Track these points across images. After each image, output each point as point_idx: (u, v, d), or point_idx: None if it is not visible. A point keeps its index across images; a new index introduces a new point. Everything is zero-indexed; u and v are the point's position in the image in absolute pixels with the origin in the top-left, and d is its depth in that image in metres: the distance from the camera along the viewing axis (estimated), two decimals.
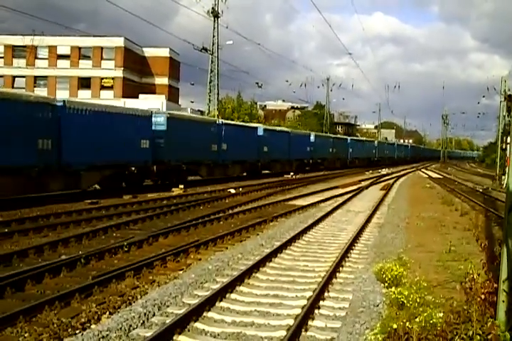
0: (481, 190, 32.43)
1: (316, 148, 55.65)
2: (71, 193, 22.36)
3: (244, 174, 40.10)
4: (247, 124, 45.44)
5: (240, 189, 28.39)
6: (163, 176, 29.38)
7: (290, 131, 52.68)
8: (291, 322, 7.07)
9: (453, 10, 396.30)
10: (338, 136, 78.27)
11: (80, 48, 59.90)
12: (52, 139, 20.72)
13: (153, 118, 27.83)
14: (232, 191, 27.39)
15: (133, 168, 26.18)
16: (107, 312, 7.59)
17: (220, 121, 38.38)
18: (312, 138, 56.05)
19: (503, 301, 5.89)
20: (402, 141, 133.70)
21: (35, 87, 59.62)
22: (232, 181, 34.13)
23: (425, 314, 6.01)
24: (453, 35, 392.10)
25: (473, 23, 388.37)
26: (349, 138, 75.89)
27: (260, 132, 42.60)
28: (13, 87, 57.44)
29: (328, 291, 8.78)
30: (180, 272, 10.11)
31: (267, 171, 44.86)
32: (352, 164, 68.47)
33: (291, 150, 48.43)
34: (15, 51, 59.49)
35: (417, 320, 5.82)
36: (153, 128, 27.55)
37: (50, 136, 20.65)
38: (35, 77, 60.35)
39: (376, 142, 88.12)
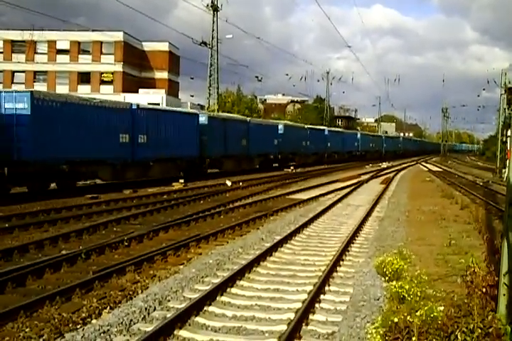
0: (481, 183, 32.42)
1: (361, 143, 73.94)
2: (71, 188, 22.40)
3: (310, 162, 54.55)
4: (318, 127, 63.33)
5: (240, 183, 28.39)
6: (281, 161, 47.51)
7: (343, 131, 73.01)
8: (291, 316, 7.08)
9: (453, 1, 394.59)
10: (375, 133, 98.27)
11: (79, 43, 59.71)
12: (246, 139, 39.51)
13: (279, 127, 47.56)
14: (229, 184, 27.61)
15: (271, 156, 45.97)
16: (108, 307, 7.59)
17: (307, 126, 57.97)
18: (358, 136, 74.56)
19: (504, 295, 5.89)
20: (402, 134, 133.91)
21: (34, 82, 59.49)
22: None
23: (426, 308, 6.00)
24: (453, 27, 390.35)
25: (474, 15, 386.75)
26: (383, 135, 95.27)
27: (326, 132, 61.40)
28: (12, 82, 57.40)
29: (329, 285, 8.78)
30: (181, 266, 10.11)
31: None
32: (385, 155, 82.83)
33: (344, 145, 66.85)
34: (14, 46, 59.27)
35: (418, 313, 5.80)
36: (278, 132, 46.60)
37: (246, 138, 39.45)
38: (35, 72, 60.18)
39: (401, 138, 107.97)
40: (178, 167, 30.59)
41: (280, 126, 47.51)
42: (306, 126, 56.91)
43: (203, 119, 33.05)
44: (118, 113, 25.06)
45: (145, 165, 27.07)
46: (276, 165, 46.21)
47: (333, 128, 69.52)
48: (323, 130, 61.49)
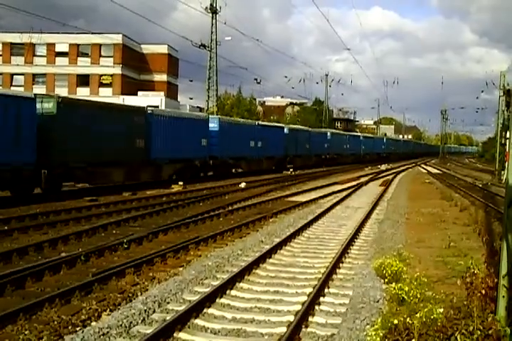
0: (480, 185, 32.42)
1: (386, 146, 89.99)
2: (71, 190, 22.39)
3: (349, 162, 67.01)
4: (355, 134, 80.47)
5: (241, 185, 28.40)
6: (329, 160, 59.74)
7: (373, 136, 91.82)
8: (291, 318, 7.07)
9: (452, 3, 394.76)
10: (396, 138, 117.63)
11: (78, 45, 59.74)
12: (309, 144, 53.22)
13: (328, 134, 61.98)
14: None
15: (323, 156, 58.76)
16: (108, 309, 7.59)
17: (348, 133, 74.51)
18: (384, 140, 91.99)
19: (503, 296, 5.89)
20: (401, 136, 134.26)
21: (33, 84, 59.54)
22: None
23: (425, 309, 6.01)
24: (452, 29, 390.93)
25: (473, 17, 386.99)
26: (402, 139, 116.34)
27: (361, 138, 77.81)
28: (11, 85, 57.40)
29: (329, 287, 8.78)
30: (181, 269, 10.10)
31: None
32: (402, 156, 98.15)
33: (374, 147, 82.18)
34: (13, 49, 59.33)
35: (418, 315, 5.81)
36: (327, 138, 60.80)
37: (308, 143, 53.00)
38: (34, 75, 60.22)
39: (413, 142, 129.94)
40: (273, 162, 45.23)
41: (328, 134, 62.17)
42: (346, 133, 74.29)
43: (286, 130, 48.06)
44: (250, 127, 41.05)
45: (261, 160, 42.12)
46: (325, 163, 58.88)
47: (366, 134, 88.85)
48: (359, 136, 78.37)
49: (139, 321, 7.04)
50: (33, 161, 19.86)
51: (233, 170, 39.13)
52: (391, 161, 74.87)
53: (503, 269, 5.92)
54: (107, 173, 24.01)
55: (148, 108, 28.18)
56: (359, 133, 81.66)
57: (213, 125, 34.70)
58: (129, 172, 25.56)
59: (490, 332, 5.35)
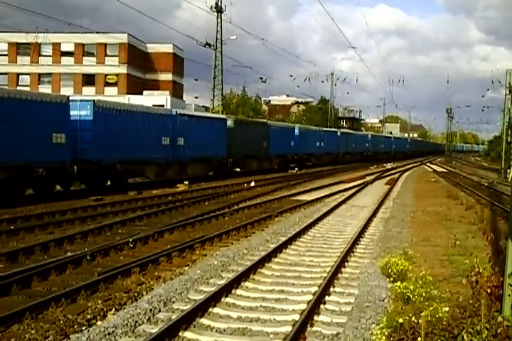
0: (486, 184, 32.32)
1: (410, 145, 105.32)
2: (76, 190, 22.46)
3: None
4: (388, 135, 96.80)
5: (245, 184, 28.39)
6: (370, 156, 72.07)
7: (400, 137, 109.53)
8: (296, 317, 7.07)
9: (458, 0, 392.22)
10: (417, 138, 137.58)
11: (83, 45, 59.79)
12: (354, 143, 69.66)
13: (368, 136, 78.36)
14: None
15: (365, 153, 72.76)
16: (113, 309, 7.60)
17: (383, 135, 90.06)
18: (409, 140, 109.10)
19: (509, 295, 5.88)
20: (406, 135, 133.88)
21: (39, 84, 59.65)
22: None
23: (431, 308, 6.00)
24: (458, 26, 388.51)
25: (479, 14, 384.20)
26: (419, 139, 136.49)
27: (392, 139, 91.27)
28: (17, 85, 57.52)
29: (334, 286, 8.77)
30: (186, 268, 10.11)
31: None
32: (419, 153, 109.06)
33: (401, 146, 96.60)
34: (19, 48, 59.42)
35: (423, 314, 5.80)
36: (368, 139, 76.03)
37: (354, 142, 69.63)
38: (40, 75, 60.32)
39: (425, 142, 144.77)
40: (331, 158, 58.43)
41: (369, 136, 78.62)
42: (381, 135, 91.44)
43: (338, 133, 63.69)
44: (317, 132, 56.14)
45: (323, 156, 56.90)
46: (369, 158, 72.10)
47: (396, 135, 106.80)
48: (390, 137, 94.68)
49: (145, 320, 7.05)
50: (226, 155, 35.43)
51: (307, 163, 52.01)
52: (413, 158, 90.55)
53: (509, 268, 5.91)
54: (250, 163, 40.45)
55: (268, 121, 48.09)
56: (390, 135, 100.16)
57: (296, 131, 50.10)
58: (259, 162, 41.77)
59: (499, 330, 5.33)
